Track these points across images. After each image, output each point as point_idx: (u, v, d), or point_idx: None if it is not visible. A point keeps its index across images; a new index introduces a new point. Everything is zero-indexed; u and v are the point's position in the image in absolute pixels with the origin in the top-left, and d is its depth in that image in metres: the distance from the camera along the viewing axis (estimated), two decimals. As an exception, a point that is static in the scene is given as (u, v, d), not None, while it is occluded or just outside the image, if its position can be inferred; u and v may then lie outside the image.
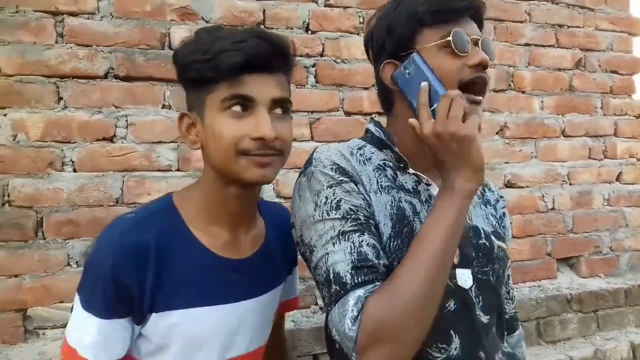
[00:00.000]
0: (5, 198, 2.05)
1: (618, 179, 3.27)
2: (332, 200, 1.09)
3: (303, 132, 2.50)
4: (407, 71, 1.15)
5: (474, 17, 1.19)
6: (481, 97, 1.14)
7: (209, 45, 1.07)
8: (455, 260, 1.13)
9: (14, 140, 2.06)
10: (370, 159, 1.20)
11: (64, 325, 2.19)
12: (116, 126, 2.20)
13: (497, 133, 2.96)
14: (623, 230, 3.25)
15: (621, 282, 3.08)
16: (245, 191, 1.15)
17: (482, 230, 1.21)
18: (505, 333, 1.30)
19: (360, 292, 1.00)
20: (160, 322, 1.10)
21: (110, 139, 2.19)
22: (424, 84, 1.11)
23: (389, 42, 1.20)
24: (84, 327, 1.08)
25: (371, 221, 1.10)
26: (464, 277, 1.14)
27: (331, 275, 1.04)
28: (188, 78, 1.14)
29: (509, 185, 2.96)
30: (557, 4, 3.14)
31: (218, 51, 1.05)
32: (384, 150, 1.22)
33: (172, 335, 1.11)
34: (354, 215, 1.07)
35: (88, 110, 2.16)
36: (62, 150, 2.12)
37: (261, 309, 1.23)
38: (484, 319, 1.14)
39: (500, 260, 1.22)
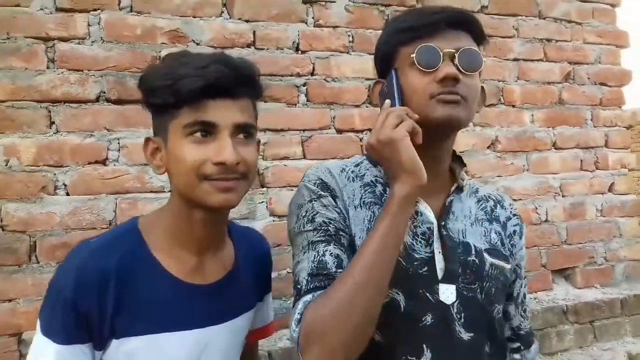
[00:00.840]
0: (-1, 223, 2.06)
1: (610, 189, 3.29)
2: (309, 214, 1.14)
3: (295, 150, 2.52)
4: (385, 89, 1.19)
5: (460, 28, 1.17)
6: (452, 95, 1.11)
7: (171, 71, 1.07)
8: (439, 274, 1.14)
9: (6, 165, 2.08)
10: (363, 175, 1.23)
11: (59, 349, 2.19)
12: (108, 149, 2.21)
13: (488, 147, 2.98)
14: (617, 240, 3.27)
15: (617, 292, 3.08)
16: (211, 215, 1.15)
17: (473, 247, 1.20)
18: (522, 348, 1.34)
19: (308, 297, 1.06)
20: (120, 349, 1.09)
21: (103, 162, 2.20)
22: (387, 101, 1.13)
23: (377, 63, 1.26)
24: (43, 353, 1.06)
25: (342, 233, 1.14)
26: (447, 293, 1.14)
27: (295, 281, 1.11)
28: (151, 103, 1.14)
29: (501, 198, 2.97)
30: (544, 18, 3.18)
31: (180, 76, 1.05)
32: (378, 167, 1.25)
33: None
34: (324, 227, 1.13)
35: (80, 134, 2.18)
36: (55, 174, 2.13)
37: (229, 334, 1.22)
38: (465, 335, 1.14)
39: (493, 278, 1.20)
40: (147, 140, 1.17)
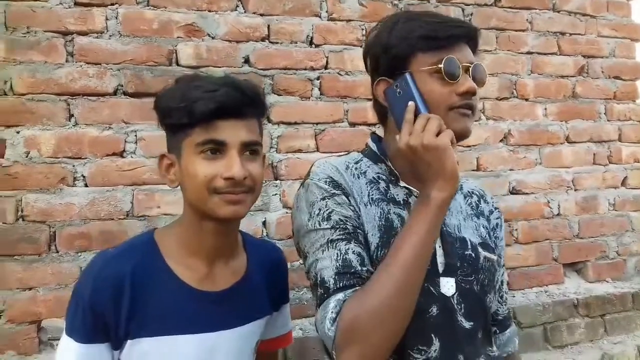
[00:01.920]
0: (19, 213, 2.11)
1: (623, 183, 3.29)
2: (324, 212, 1.17)
3: (308, 143, 2.55)
4: (397, 90, 1.20)
5: (469, 42, 1.23)
6: (468, 110, 1.19)
7: (184, 93, 1.16)
8: (440, 268, 1.20)
9: (27, 157, 2.13)
10: (365, 172, 1.27)
11: (78, 337, 2.24)
12: (126, 141, 2.26)
13: (501, 140, 2.98)
14: (629, 234, 3.26)
15: (628, 286, 3.08)
16: (221, 226, 1.23)
17: (469, 242, 1.26)
18: (498, 332, 1.40)
19: (340, 295, 1.09)
20: (133, 349, 1.17)
21: (120, 154, 2.25)
22: (410, 103, 1.16)
23: (384, 61, 1.26)
24: (66, 351, 1.17)
25: (359, 231, 1.17)
26: (448, 285, 1.19)
27: (318, 280, 1.14)
28: (166, 123, 1.23)
29: (514, 192, 2.98)
30: (558, 12, 3.17)
31: (192, 99, 1.14)
32: (379, 164, 1.29)
33: None
34: (342, 225, 1.15)
35: (98, 127, 2.22)
36: (74, 165, 2.18)
37: (238, 340, 1.28)
38: (467, 324, 1.20)
39: (486, 270, 1.27)
40: (162, 156, 1.26)
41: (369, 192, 1.23)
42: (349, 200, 1.19)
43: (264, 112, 1.28)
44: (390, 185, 1.26)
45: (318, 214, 1.17)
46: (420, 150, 1.11)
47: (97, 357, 1.17)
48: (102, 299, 1.15)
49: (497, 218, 1.41)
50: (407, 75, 1.18)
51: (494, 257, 1.31)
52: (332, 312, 1.08)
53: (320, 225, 1.16)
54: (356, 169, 1.27)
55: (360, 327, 1.04)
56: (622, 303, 2.97)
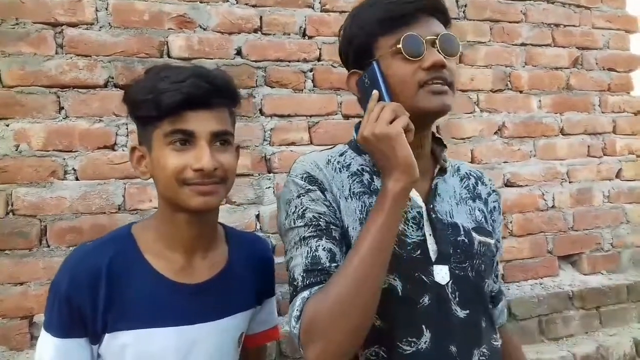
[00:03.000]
0: (9, 207, 2.09)
1: (618, 175, 3.28)
2: (299, 210, 1.17)
3: (302, 136, 2.53)
4: (366, 80, 1.20)
5: (435, 15, 1.20)
6: (441, 85, 1.15)
7: (152, 85, 1.17)
8: (433, 256, 1.18)
9: (16, 150, 2.10)
10: (349, 165, 1.25)
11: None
12: (117, 134, 2.23)
13: (495, 133, 2.97)
14: (624, 226, 3.26)
15: (623, 278, 3.09)
16: (195, 218, 1.23)
17: (461, 227, 1.24)
18: (491, 307, 1.38)
19: (306, 293, 1.09)
20: (112, 343, 1.17)
21: (112, 147, 2.22)
22: (374, 92, 1.15)
23: (350, 53, 1.27)
24: (44, 346, 1.17)
25: (332, 227, 1.16)
26: (441, 274, 1.17)
27: (290, 278, 1.14)
28: (136, 115, 1.23)
29: (508, 184, 2.98)
30: (552, 3, 3.16)
31: (160, 90, 1.14)
32: (363, 156, 1.27)
33: (124, 356, 1.17)
34: (315, 222, 1.15)
35: (89, 119, 2.20)
36: (64, 159, 2.16)
37: (219, 333, 1.27)
38: (461, 313, 1.18)
39: (482, 255, 1.25)
40: (133, 148, 1.27)
41: (350, 186, 1.21)
42: (325, 196, 1.18)
43: (235, 101, 1.27)
44: (374, 177, 1.23)
45: (294, 212, 1.17)
46: (373, 140, 1.09)
47: (75, 352, 1.16)
48: (78, 292, 1.15)
49: (495, 201, 1.40)
50: (374, 63, 1.17)
51: (491, 241, 1.30)
52: (297, 310, 1.08)
53: (295, 223, 1.16)
54: (338, 162, 1.25)
55: (318, 325, 1.04)
56: (616, 295, 2.97)
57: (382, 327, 1.14)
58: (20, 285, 2.07)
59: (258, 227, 2.42)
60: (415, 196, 1.22)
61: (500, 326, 1.42)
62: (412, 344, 1.13)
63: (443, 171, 1.30)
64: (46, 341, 1.16)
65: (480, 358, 1.20)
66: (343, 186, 1.20)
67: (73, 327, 1.15)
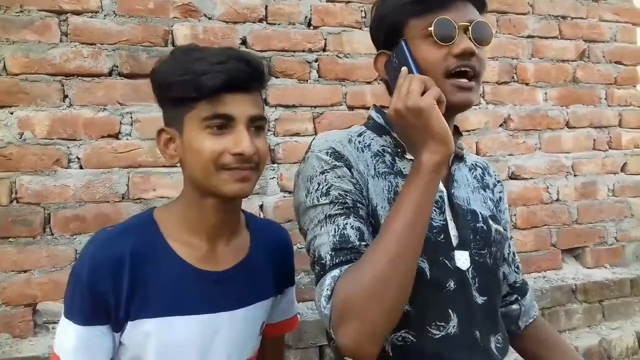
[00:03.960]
0: (13, 195, 2.09)
1: (623, 169, 3.27)
2: (323, 187, 1.12)
3: (307, 126, 2.52)
4: (394, 60, 1.17)
5: (471, 0, 1.17)
6: (467, 81, 1.13)
7: (188, 66, 1.12)
8: (454, 242, 1.17)
9: (20, 138, 2.10)
10: (369, 145, 1.22)
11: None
12: (121, 123, 2.23)
13: (500, 125, 2.96)
14: (628, 220, 3.25)
15: (627, 272, 3.08)
16: (223, 204, 1.19)
17: (479, 214, 1.24)
18: (519, 298, 1.43)
19: (336, 272, 1.04)
20: (135, 331, 1.14)
21: (116, 136, 2.22)
22: (404, 69, 1.12)
23: (380, 33, 1.24)
24: (65, 334, 1.14)
25: (359, 205, 1.12)
26: (462, 259, 1.16)
27: (316, 257, 1.10)
28: (168, 97, 1.17)
29: (513, 177, 2.96)
30: (560, -5, 3.14)
31: (199, 72, 1.10)
32: (384, 136, 1.25)
33: (147, 344, 1.15)
34: (341, 200, 1.11)
35: (93, 108, 2.19)
36: (68, 147, 2.15)
37: (241, 322, 1.25)
38: (480, 299, 1.18)
39: (498, 243, 1.25)
40: (161, 130, 1.21)
41: (375, 166, 1.19)
42: (352, 173, 1.14)
43: (266, 85, 1.25)
44: (397, 158, 1.21)
45: (317, 190, 1.13)
46: (405, 113, 1.05)
47: (98, 339, 1.13)
48: (101, 279, 1.11)
49: (500, 192, 1.41)
50: (402, 43, 1.15)
51: (502, 230, 1.30)
52: (327, 289, 1.03)
53: (318, 201, 1.12)
54: (359, 142, 1.22)
55: (354, 304, 0.99)
56: (620, 289, 2.96)
57: (410, 311, 1.12)
58: (24, 273, 2.08)
59: (262, 217, 2.42)
60: None
61: (533, 319, 1.43)
62: (442, 328, 1.12)
63: (460, 159, 1.30)
64: (67, 328, 1.13)
65: (497, 345, 1.20)
66: (368, 165, 1.18)
67: (95, 314, 1.12)
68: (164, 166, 2.26)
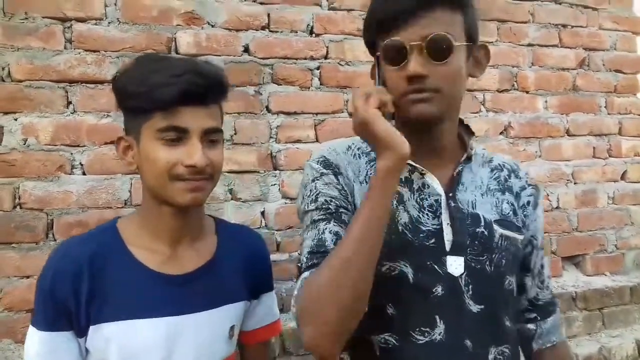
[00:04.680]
0: (17, 201, 2.10)
1: (623, 177, 3.28)
2: (313, 194, 1.19)
3: (308, 133, 2.53)
4: (376, 71, 1.23)
5: (441, 5, 1.12)
6: (420, 94, 1.12)
7: (146, 77, 1.14)
8: (447, 247, 1.16)
9: (24, 144, 2.11)
10: (370, 151, 1.25)
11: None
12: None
13: (501, 133, 2.97)
14: (628, 228, 3.26)
15: (627, 280, 3.08)
16: (179, 211, 1.23)
17: (482, 218, 1.20)
18: (539, 318, 1.36)
19: (306, 274, 1.10)
20: (96, 335, 1.17)
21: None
22: (370, 82, 1.20)
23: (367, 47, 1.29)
24: (31, 340, 1.17)
25: (343, 210, 1.17)
26: (455, 265, 1.15)
27: (298, 260, 1.17)
28: (127, 106, 1.22)
29: (513, 184, 2.97)
30: (560, 4, 3.15)
31: (154, 85, 1.13)
32: None
33: (109, 349, 1.17)
34: (325, 206, 1.16)
35: (96, 114, 2.21)
36: (72, 153, 2.17)
37: (206, 325, 1.26)
38: (475, 308, 1.15)
39: (503, 250, 1.20)
40: (120, 139, 1.26)
41: (367, 171, 1.22)
42: (338, 180, 1.19)
43: (226, 97, 1.27)
44: None
45: (308, 196, 1.19)
46: (358, 128, 1.09)
47: (63, 345, 1.16)
48: (61, 285, 1.15)
49: (530, 195, 1.32)
50: (375, 58, 1.20)
51: (517, 236, 1.24)
52: (296, 290, 1.10)
53: (308, 207, 1.19)
54: (359, 148, 1.26)
55: (310, 306, 1.04)
56: (620, 297, 2.96)
57: (394, 315, 1.14)
58: (27, 278, 2.08)
59: (263, 223, 2.43)
60: (435, 184, 1.20)
61: (552, 345, 1.36)
62: (426, 334, 1.12)
63: (469, 159, 1.26)
64: (32, 335, 1.17)
65: (497, 357, 1.17)
66: (360, 171, 1.21)
67: (57, 320, 1.16)
68: (166, 172, 2.27)
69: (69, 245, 1.23)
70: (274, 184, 2.47)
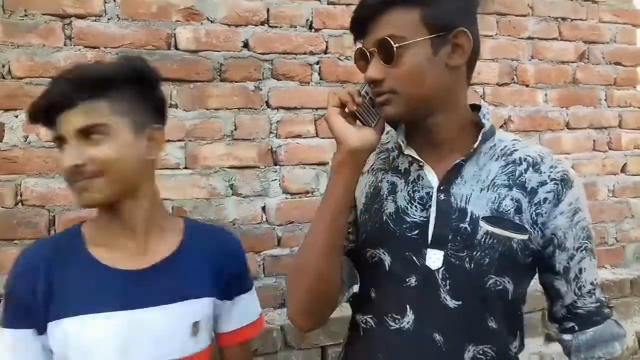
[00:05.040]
0: (18, 197, 2.11)
1: (623, 170, 3.28)
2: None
3: (308, 128, 2.54)
4: None
5: (398, 5, 1.13)
6: (380, 98, 1.17)
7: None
8: (430, 239, 1.17)
9: (25, 141, 2.12)
10: (387, 142, 1.33)
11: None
12: (124, 126, 2.24)
13: (501, 126, 2.97)
14: (629, 221, 3.26)
15: (627, 272, 3.09)
16: (105, 210, 1.29)
17: (469, 214, 1.16)
18: (576, 329, 1.25)
19: None
20: (55, 331, 1.21)
21: (119, 139, 2.23)
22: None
23: None
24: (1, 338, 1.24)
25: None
26: (434, 258, 1.16)
27: None
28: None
29: (513, 178, 2.97)
30: (559, -4, 3.15)
31: (35, 100, 1.23)
32: (399, 133, 1.29)
33: (69, 344, 1.20)
34: None
35: (97, 111, 2.21)
36: (73, 150, 2.17)
37: (165, 319, 1.27)
38: (451, 303, 1.14)
39: (487, 248, 1.15)
40: None
41: (373, 162, 1.30)
42: None
43: (106, 87, 1.22)
44: (401, 155, 1.26)
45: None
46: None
47: (24, 343, 1.22)
48: (22, 282, 1.23)
49: (550, 191, 1.19)
50: None
51: (514, 236, 1.16)
52: None
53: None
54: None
55: (288, 287, 1.30)
56: (620, 289, 2.97)
57: (375, 299, 1.22)
58: (29, 274, 2.09)
59: (264, 219, 2.44)
60: (431, 177, 1.20)
61: None
62: (397, 321, 1.17)
63: (474, 152, 1.21)
64: (1, 332, 1.23)
65: (478, 356, 1.15)
66: (366, 162, 1.22)
67: (19, 317, 1.22)
68: (167, 168, 2.28)
69: (30, 247, 1.32)
70: (275, 179, 2.48)
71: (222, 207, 2.37)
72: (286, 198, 2.49)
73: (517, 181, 1.20)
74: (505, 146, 1.25)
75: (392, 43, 1.11)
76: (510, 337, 1.23)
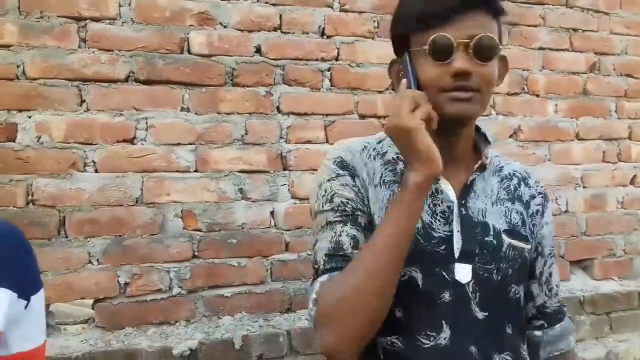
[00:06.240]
0: (30, 197, 2.12)
1: (632, 182, 3.27)
2: (328, 194, 1.17)
3: (318, 134, 2.55)
4: (401, 69, 1.19)
5: (480, 7, 1.13)
6: (463, 93, 1.11)
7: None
8: (456, 254, 1.16)
9: (38, 141, 2.14)
10: (385, 153, 1.24)
11: (85, 321, 2.26)
12: (136, 128, 2.26)
13: (510, 136, 2.98)
14: (637, 233, 3.25)
15: (635, 284, 3.08)
16: None
17: (491, 227, 1.20)
18: (546, 326, 1.32)
19: (325, 277, 1.10)
20: None
21: (131, 141, 2.26)
22: (403, 81, 1.14)
23: (392, 42, 1.25)
24: None
25: (359, 213, 1.16)
26: (463, 272, 1.15)
27: (313, 261, 1.16)
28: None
29: (522, 187, 2.97)
30: (571, 7, 3.15)
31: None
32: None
33: None
34: (342, 207, 1.15)
35: (109, 113, 2.23)
36: (84, 151, 2.19)
37: None
38: (480, 315, 1.16)
39: (511, 259, 1.20)
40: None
41: (382, 174, 1.21)
42: (355, 182, 1.18)
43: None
44: (407, 167, 1.20)
45: (323, 196, 1.18)
46: (394, 131, 1.08)
47: None
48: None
49: (539, 204, 1.30)
50: (406, 55, 1.16)
51: (525, 246, 1.23)
52: (315, 293, 1.09)
53: (323, 207, 1.17)
54: (374, 149, 1.24)
55: (331, 312, 1.05)
56: (628, 301, 2.96)
57: (402, 319, 1.15)
58: (40, 274, 2.10)
59: (272, 223, 2.44)
60: (448, 190, 1.20)
61: (559, 353, 1.33)
62: (432, 339, 1.13)
63: (483, 168, 1.24)
64: None
65: None
66: (374, 174, 1.20)
67: None
68: (177, 171, 2.30)
69: None
70: (284, 184, 2.49)
71: (231, 211, 2.38)
72: (295, 203, 2.49)
73: (515, 195, 1.27)
74: (494, 162, 1.30)
75: (497, 43, 1.13)
76: (520, 341, 1.26)
